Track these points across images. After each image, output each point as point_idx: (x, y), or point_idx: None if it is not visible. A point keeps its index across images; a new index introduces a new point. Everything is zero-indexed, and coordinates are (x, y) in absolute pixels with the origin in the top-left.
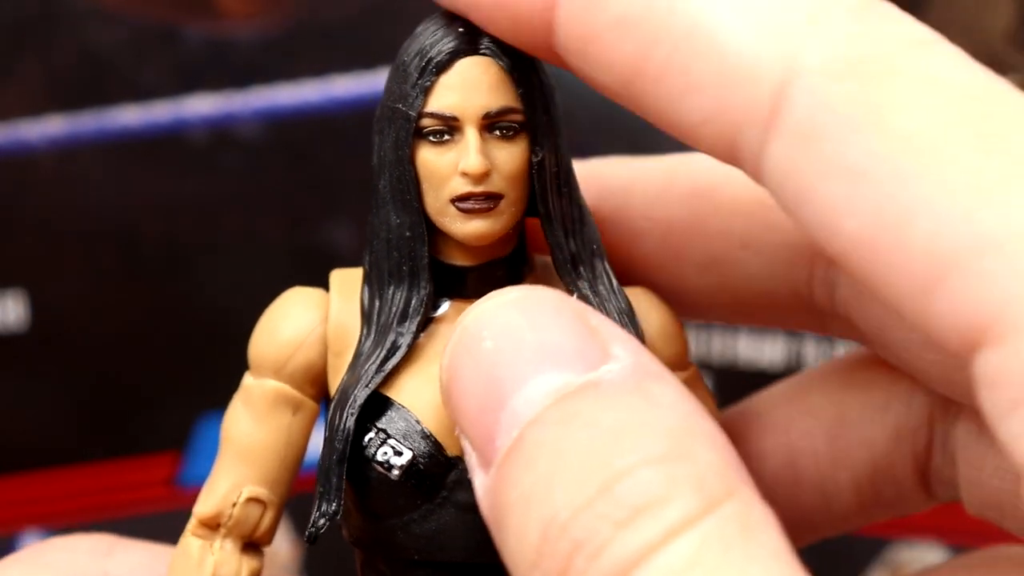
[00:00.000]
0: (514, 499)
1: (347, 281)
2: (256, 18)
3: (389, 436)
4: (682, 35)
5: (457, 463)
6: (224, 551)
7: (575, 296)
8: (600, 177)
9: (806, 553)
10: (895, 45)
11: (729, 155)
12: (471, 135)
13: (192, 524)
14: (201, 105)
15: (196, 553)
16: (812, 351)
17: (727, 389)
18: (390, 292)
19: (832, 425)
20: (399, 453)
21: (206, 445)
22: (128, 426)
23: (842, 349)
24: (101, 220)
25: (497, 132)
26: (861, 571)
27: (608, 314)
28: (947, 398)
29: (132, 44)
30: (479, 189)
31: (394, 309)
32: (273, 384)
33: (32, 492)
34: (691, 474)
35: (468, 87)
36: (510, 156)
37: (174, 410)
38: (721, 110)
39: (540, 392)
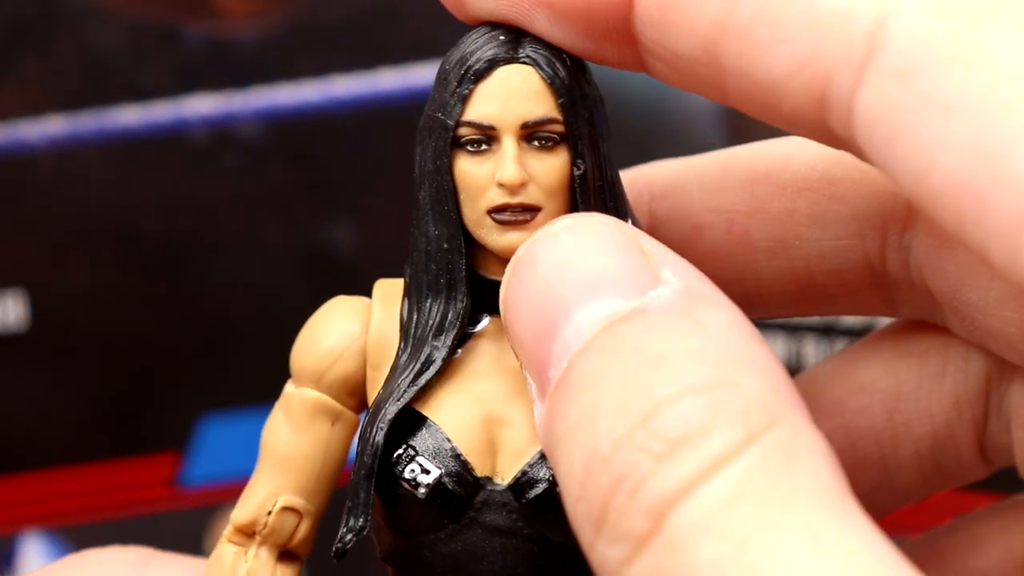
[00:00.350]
0: (562, 431)
1: (390, 292)
2: (256, 18)
3: (418, 453)
4: None
5: (486, 484)
6: (259, 559)
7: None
8: (652, 179)
9: None
10: None
11: (815, 111)
12: (508, 145)
13: (228, 531)
14: (201, 105)
15: (230, 560)
16: (812, 351)
17: None
18: (427, 305)
19: (889, 399)
20: (427, 472)
21: (206, 445)
22: (128, 426)
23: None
24: (101, 220)
25: (536, 142)
26: None
27: None
28: (1002, 361)
29: (132, 44)
30: (515, 200)
31: (430, 322)
32: (312, 394)
33: (32, 492)
34: (736, 403)
35: (506, 96)
36: (549, 167)
37: (174, 410)
38: (813, 57)
39: (589, 320)
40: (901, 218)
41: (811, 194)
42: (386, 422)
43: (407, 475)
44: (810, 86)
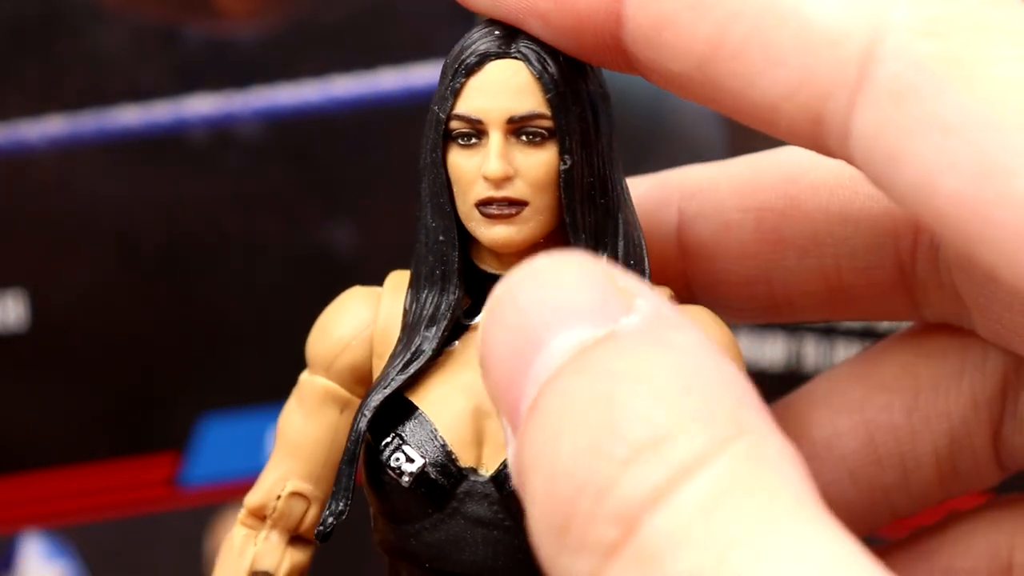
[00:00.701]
0: (529, 460)
1: (399, 283)
2: (256, 18)
3: (404, 442)
4: (763, 6)
5: (469, 475)
6: (268, 542)
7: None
8: (683, 180)
9: None
10: (980, 2)
11: (812, 130)
12: (494, 138)
13: (242, 513)
14: (201, 105)
15: (239, 542)
16: (812, 351)
17: None
18: (423, 296)
19: (909, 396)
20: (411, 460)
21: (206, 445)
22: (128, 426)
23: (841, 349)
24: (101, 220)
25: (524, 137)
26: None
27: None
28: (1020, 361)
29: (132, 44)
30: (500, 194)
31: (424, 313)
32: (323, 382)
33: (32, 492)
34: (702, 411)
35: (495, 90)
36: (536, 162)
37: (174, 410)
38: (806, 80)
39: (560, 349)
40: (923, 223)
41: (844, 191)
42: (370, 409)
43: (392, 463)
44: (805, 108)
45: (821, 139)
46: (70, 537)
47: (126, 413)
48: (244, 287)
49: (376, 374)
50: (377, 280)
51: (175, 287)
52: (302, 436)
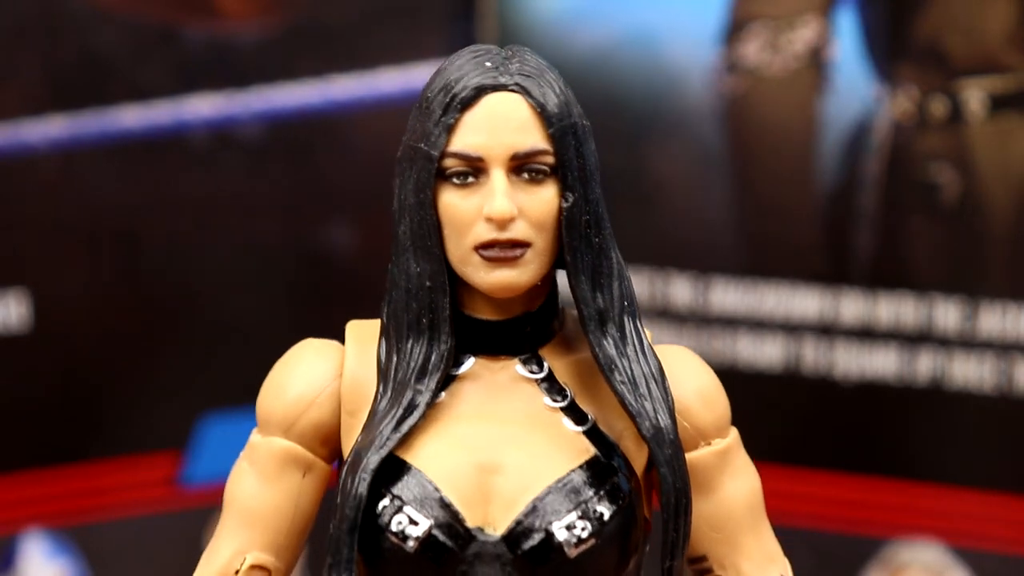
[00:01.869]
0: None
1: (364, 333)
2: (257, 19)
3: (404, 503)
4: None
5: (478, 535)
6: None
7: (600, 356)
8: None
9: (805, 551)
10: None
11: None
12: (497, 177)
13: None
14: (201, 106)
15: None
16: (811, 351)
17: (726, 389)
18: (408, 346)
19: None
20: (415, 523)
21: (206, 445)
22: (129, 425)
23: (841, 349)
24: (102, 220)
25: (525, 175)
26: (859, 570)
27: (635, 377)
28: None
29: (132, 45)
30: (504, 236)
31: (412, 365)
32: (282, 443)
33: (32, 492)
34: None
35: (495, 126)
36: (539, 201)
37: (174, 410)
38: None
39: None
40: None
41: None
42: (369, 472)
43: (394, 527)
44: None
45: None
46: (70, 537)
47: (126, 412)
48: (244, 287)
49: (345, 432)
50: (378, 281)
51: (176, 287)
52: (260, 503)
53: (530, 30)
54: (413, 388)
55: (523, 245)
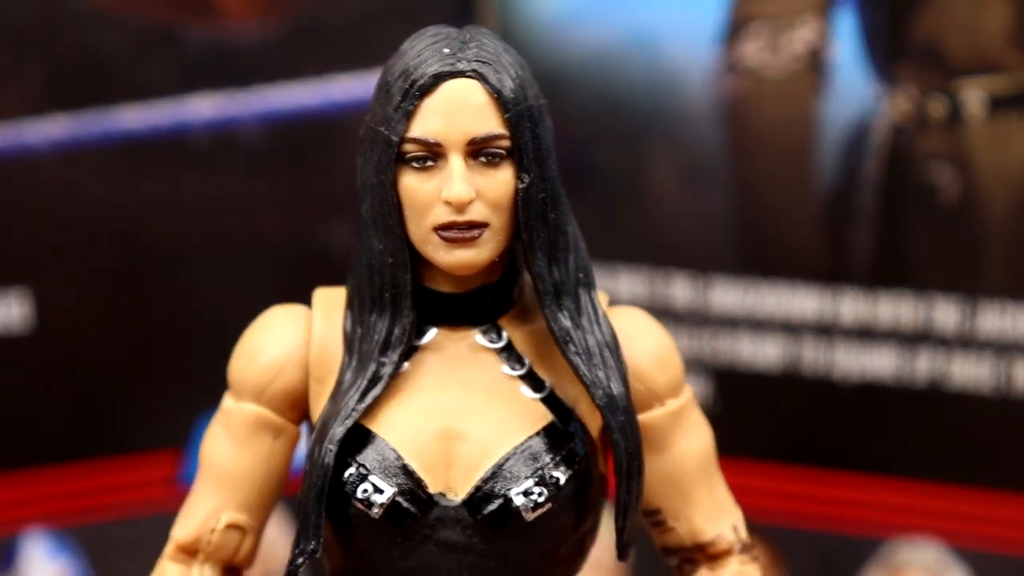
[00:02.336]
0: None
1: (331, 302)
2: (257, 19)
3: (369, 472)
4: None
5: (440, 500)
6: None
7: (555, 328)
8: None
9: (805, 551)
10: None
11: None
12: (455, 162)
13: (170, 548)
14: (202, 106)
15: None
16: (811, 351)
17: (727, 389)
18: (372, 319)
19: None
20: (380, 490)
21: None
22: (128, 425)
23: (841, 349)
24: (102, 220)
25: (482, 158)
26: (859, 570)
27: (589, 348)
28: None
29: (133, 45)
30: (462, 218)
31: (376, 338)
32: (253, 408)
33: (32, 492)
34: None
35: (453, 112)
36: (496, 183)
37: (174, 410)
38: None
39: None
40: None
41: None
42: (335, 442)
43: (360, 495)
44: None
45: None
46: (70, 537)
47: (126, 412)
48: (245, 287)
49: (314, 398)
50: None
51: (176, 287)
52: (233, 465)
53: (530, 30)
54: (377, 360)
55: (480, 226)
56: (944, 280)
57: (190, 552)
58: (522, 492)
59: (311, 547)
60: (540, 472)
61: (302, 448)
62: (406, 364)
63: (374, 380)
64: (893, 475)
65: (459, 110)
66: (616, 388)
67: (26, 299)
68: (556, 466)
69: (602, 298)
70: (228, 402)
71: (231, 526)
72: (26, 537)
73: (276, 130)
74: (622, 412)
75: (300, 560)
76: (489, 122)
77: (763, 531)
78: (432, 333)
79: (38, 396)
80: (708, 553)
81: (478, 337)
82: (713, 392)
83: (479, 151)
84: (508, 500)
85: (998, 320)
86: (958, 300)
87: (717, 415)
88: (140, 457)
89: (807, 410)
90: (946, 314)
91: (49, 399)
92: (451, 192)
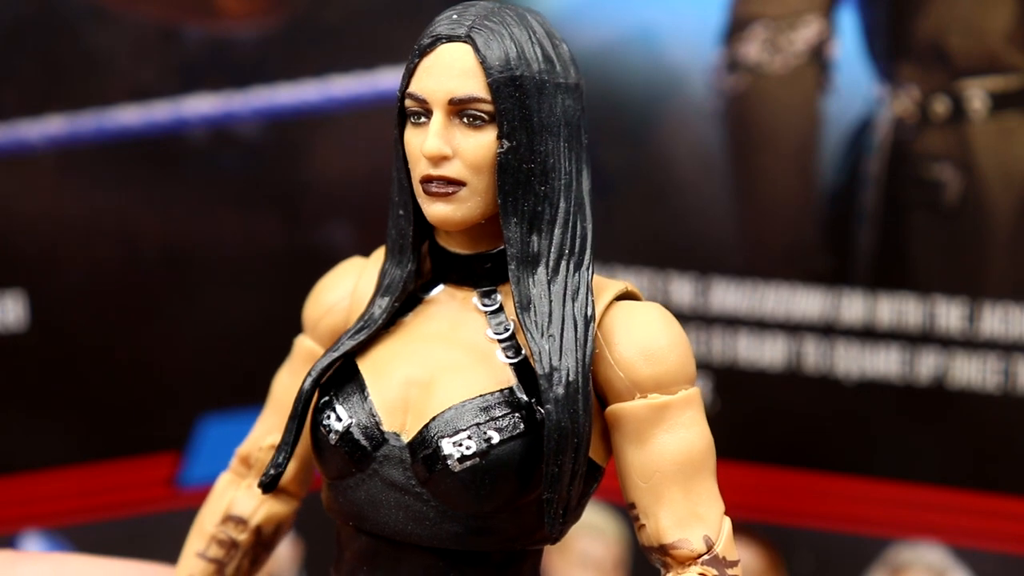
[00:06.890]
0: None
1: (382, 254)
2: (256, 18)
3: (336, 403)
4: None
5: (390, 439)
6: (249, 490)
7: (516, 292)
8: None
9: (806, 552)
10: None
11: None
12: (436, 118)
13: (233, 461)
14: (201, 105)
15: (222, 486)
16: (812, 351)
17: (727, 389)
18: (387, 267)
19: None
20: (339, 419)
21: (206, 445)
22: (128, 426)
23: (842, 349)
24: (101, 220)
25: (465, 119)
26: (861, 571)
27: (551, 318)
28: None
29: (132, 44)
30: (437, 172)
31: (383, 283)
32: (308, 343)
33: (32, 492)
34: None
35: (440, 71)
36: (475, 145)
37: (174, 410)
38: None
39: None
40: None
41: None
42: (316, 371)
43: (324, 421)
44: None
45: None
46: (70, 537)
47: (126, 413)
48: (244, 287)
49: None
50: None
51: (175, 287)
52: (284, 392)
53: None
54: (376, 303)
55: (457, 183)
56: (946, 280)
57: (246, 465)
58: (453, 442)
59: (279, 461)
60: (477, 427)
61: None
62: (410, 314)
63: (368, 321)
64: (894, 475)
65: (445, 70)
66: (565, 363)
67: (22, 299)
68: (492, 426)
69: (619, 288)
70: (298, 336)
71: (275, 446)
72: (24, 538)
73: (275, 129)
74: (564, 386)
75: (272, 472)
76: (471, 85)
77: (763, 531)
78: (439, 289)
79: (35, 397)
80: (671, 556)
81: (475, 298)
82: (713, 391)
83: (461, 111)
84: (439, 447)
85: (1000, 320)
86: (960, 300)
87: (717, 415)
88: (139, 458)
89: (808, 410)
90: (948, 314)
91: (46, 400)
92: (424, 145)
